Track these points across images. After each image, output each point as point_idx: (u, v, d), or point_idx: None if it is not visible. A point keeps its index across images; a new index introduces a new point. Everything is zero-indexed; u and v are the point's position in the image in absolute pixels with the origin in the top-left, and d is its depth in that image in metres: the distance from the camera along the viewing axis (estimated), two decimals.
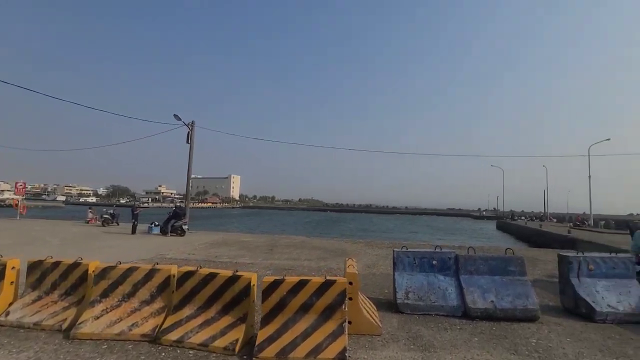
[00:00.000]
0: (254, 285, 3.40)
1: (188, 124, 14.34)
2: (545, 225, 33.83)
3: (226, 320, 3.28)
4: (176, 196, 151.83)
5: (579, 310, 4.24)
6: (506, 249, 4.73)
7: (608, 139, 32.05)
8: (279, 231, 30.74)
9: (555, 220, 46.02)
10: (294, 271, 6.73)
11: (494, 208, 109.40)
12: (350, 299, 3.56)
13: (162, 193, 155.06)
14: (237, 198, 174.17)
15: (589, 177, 32.00)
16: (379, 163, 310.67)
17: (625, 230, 28.17)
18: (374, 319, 3.71)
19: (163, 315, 3.47)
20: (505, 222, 45.69)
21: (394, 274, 4.60)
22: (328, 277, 3.28)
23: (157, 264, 3.76)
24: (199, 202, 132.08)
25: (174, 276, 3.62)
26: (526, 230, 31.77)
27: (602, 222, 32.27)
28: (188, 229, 13.40)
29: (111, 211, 17.24)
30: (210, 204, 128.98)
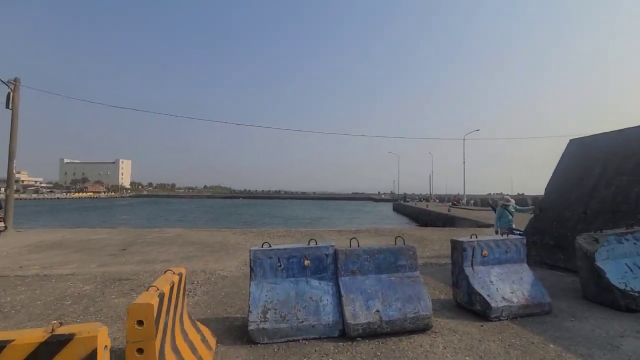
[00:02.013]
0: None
1: (8, 81, 10.21)
2: (430, 205, 38.02)
3: None
4: (43, 185, 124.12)
5: (473, 307, 3.52)
6: (396, 238, 3.75)
7: (478, 130, 37.50)
8: (162, 223, 26.80)
9: (438, 200, 52.74)
10: (130, 282, 4.75)
11: (391, 191, 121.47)
12: (141, 350, 1.96)
13: (23, 182, 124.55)
14: (128, 186, 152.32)
15: (464, 162, 36.99)
16: (289, 149, 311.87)
17: (487, 207, 33.71)
18: None
19: None
20: (400, 204, 50.24)
21: (249, 285, 3.17)
22: (57, 332, 1.57)
23: None
24: (76, 192, 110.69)
25: None
26: (415, 210, 35.13)
27: (472, 201, 37.95)
28: (6, 227, 9.66)
29: None
30: (92, 193, 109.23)
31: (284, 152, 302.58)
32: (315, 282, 3.24)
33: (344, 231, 11.36)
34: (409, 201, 53.15)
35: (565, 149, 7.46)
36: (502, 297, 3.47)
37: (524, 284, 3.65)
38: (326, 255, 3.36)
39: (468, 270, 3.65)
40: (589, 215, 5.83)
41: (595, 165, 6.41)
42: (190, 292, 4.26)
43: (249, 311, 2.97)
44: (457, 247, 3.81)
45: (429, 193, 60.38)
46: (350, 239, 3.71)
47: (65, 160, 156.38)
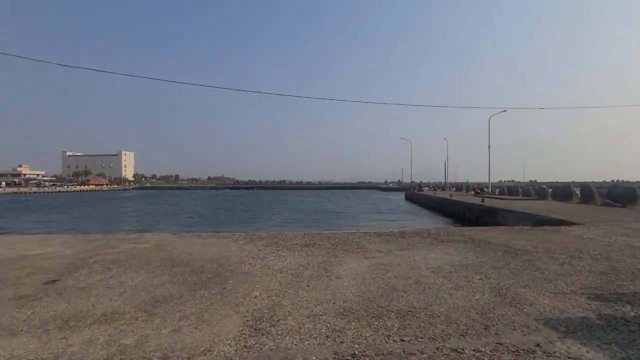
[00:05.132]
0: None
1: None
2: (453, 194, 34.82)
3: None
4: (45, 178, 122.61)
5: None
6: None
7: (505, 110, 33.94)
8: (150, 221, 23.75)
9: (454, 189, 49.51)
10: None
11: (398, 180, 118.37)
12: None
13: (24, 175, 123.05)
14: (131, 178, 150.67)
15: (489, 146, 33.60)
16: (290, 137, 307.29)
17: (516, 195, 30.51)
18: None
19: None
20: (414, 193, 47.12)
21: None
22: None
23: None
24: (78, 184, 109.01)
25: None
26: (436, 200, 31.99)
27: (497, 190, 34.70)
28: None
29: None
30: (94, 185, 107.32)
31: (283, 144, 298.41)
32: None
33: (383, 235, 8.35)
34: (423, 190, 49.93)
35: None
36: None
37: None
38: None
39: None
40: None
41: None
42: None
43: None
44: None
45: (443, 181, 57.14)
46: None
47: (68, 153, 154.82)
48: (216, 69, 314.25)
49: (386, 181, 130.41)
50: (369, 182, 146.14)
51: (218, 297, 3.78)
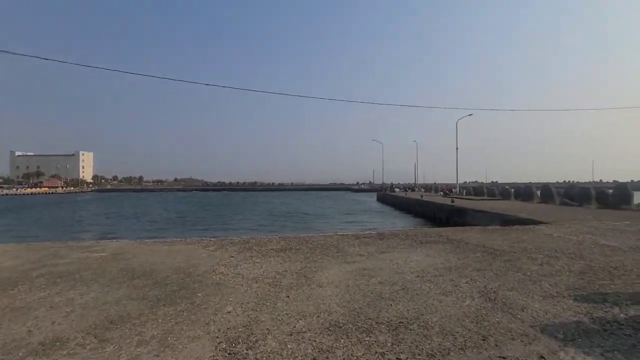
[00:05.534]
0: None
1: None
2: (424, 195, 35.69)
3: None
4: None
5: None
6: None
7: (471, 114, 35.38)
8: (106, 226, 22.02)
9: (424, 190, 50.94)
10: None
11: (370, 181, 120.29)
12: None
13: None
14: (90, 180, 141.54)
15: (457, 148, 34.85)
16: (261, 138, 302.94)
17: (482, 195, 31.82)
18: None
19: None
20: (385, 194, 47.90)
21: None
22: None
23: None
24: (29, 187, 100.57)
25: None
26: (408, 201, 32.60)
27: (464, 190, 36.05)
28: None
29: None
30: (47, 188, 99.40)
31: (256, 142, 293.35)
32: None
33: (362, 237, 8.14)
34: (395, 191, 50.92)
35: None
36: None
37: None
38: None
39: None
40: None
41: None
42: None
43: None
44: None
45: (413, 182, 58.64)
46: None
47: (17, 153, 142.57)
48: (183, 61, 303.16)
49: (358, 182, 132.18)
50: (341, 183, 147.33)
51: (185, 314, 3.30)
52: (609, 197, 16.80)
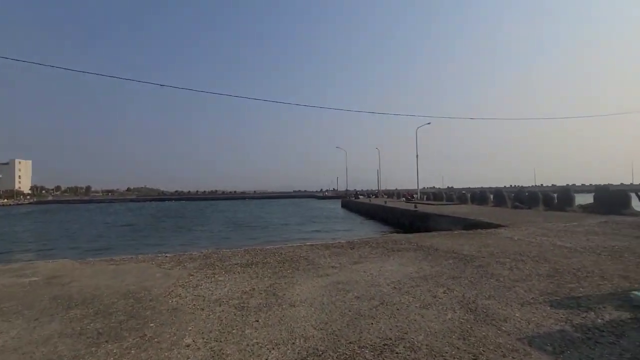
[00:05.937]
0: None
1: None
2: (387, 201, 36.48)
3: None
4: None
5: None
6: None
7: (429, 123, 37.03)
8: (46, 242, 19.39)
9: (386, 196, 52.25)
10: None
11: (334, 189, 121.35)
12: None
13: None
14: (28, 191, 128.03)
15: (417, 156, 36.18)
16: (223, 145, 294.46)
17: (441, 200, 33.23)
18: None
19: None
20: (350, 201, 48.43)
21: None
22: None
23: None
24: None
25: None
26: (372, 207, 33.13)
27: (425, 196, 37.44)
28: None
29: None
30: None
31: (212, 152, 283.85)
32: None
33: (332, 247, 7.86)
34: (359, 198, 51.67)
35: None
36: None
37: None
38: None
39: None
40: None
41: None
42: None
43: None
44: None
45: (376, 189, 59.95)
46: None
47: None
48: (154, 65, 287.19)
49: (322, 189, 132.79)
50: (305, 190, 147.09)
51: (133, 352, 2.75)
52: (554, 200, 18.22)
